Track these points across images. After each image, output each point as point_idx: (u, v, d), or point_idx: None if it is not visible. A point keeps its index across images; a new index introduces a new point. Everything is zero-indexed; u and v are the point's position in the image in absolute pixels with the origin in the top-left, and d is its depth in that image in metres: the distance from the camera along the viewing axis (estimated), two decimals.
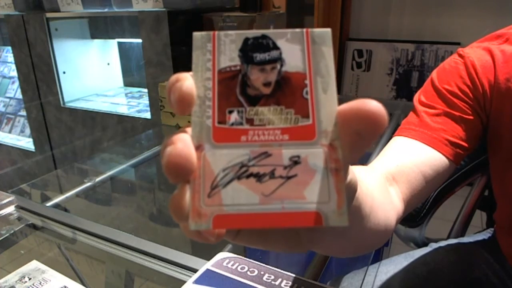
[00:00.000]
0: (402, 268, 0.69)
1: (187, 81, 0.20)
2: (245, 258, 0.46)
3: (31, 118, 1.77)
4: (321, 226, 0.20)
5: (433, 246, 0.74)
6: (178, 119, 1.17)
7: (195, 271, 0.46)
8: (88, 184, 0.83)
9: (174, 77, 0.20)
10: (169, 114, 1.18)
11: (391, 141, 0.52)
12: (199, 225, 0.19)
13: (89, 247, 0.61)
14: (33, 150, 1.84)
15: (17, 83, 2.05)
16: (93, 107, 1.60)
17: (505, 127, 0.51)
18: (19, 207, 0.71)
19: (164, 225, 0.84)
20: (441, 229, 0.86)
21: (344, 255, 0.38)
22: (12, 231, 0.66)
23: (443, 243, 0.74)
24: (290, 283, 0.42)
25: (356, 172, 0.25)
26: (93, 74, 1.78)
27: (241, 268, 0.44)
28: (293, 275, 0.43)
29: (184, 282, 0.43)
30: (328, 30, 0.21)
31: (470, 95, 0.51)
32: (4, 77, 2.20)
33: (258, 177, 0.20)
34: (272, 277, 0.43)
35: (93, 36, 1.71)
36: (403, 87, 1.85)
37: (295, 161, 0.20)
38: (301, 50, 0.21)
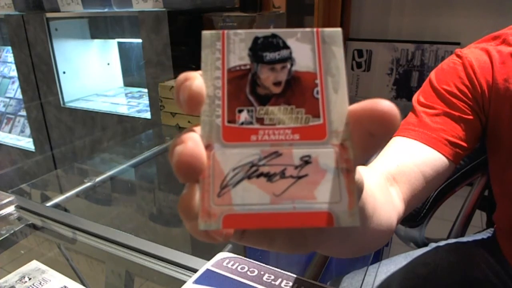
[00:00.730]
0: (401, 268, 0.69)
1: (196, 80, 0.20)
2: (245, 258, 0.46)
3: (31, 118, 1.77)
4: (332, 226, 0.20)
5: (433, 246, 0.74)
6: (178, 119, 1.17)
7: (195, 271, 0.46)
8: (88, 184, 0.83)
9: (183, 76, 0.20)
10: (169, 114, 1.18)
11: (391, 141, 0.52)
12: (208, 225, 0.19)
13: (89, 247, 0.61)
14: (33, 150, 1.84)
15: (17, 83, 2.05)
16: (93, 107, 1.60)
17: (504, 127, 0.51)
18: (19, 207, 0.71)
19: (164, 225, 0.84)
20: (441, 229, 0.86)
21: (346, 256, 0.38)
22: (12, 231, 0.66)
23: (442, 243, 0.74)
24: (290, 283, 0.42)
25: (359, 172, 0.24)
26: (93, 74, 1.77)
27: (241, 268, 0.44)
28: (293, 275, 0.43)
29: (184, 282, 0.43)
30: (339, 29, 0.21)
31: (469, 95, 0.51)
32: (4, 77, 2.20)
33: (269, 176, 0.20)
34: (272, 277, 0.43)
35: (93, 36, 1.71)
36: (403, 87, 1.85)
37: (306, 161, 0.20)
38: (312, 50, 0.20)
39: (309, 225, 0.20)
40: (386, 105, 0.19)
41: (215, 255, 0.47)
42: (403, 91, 1.85)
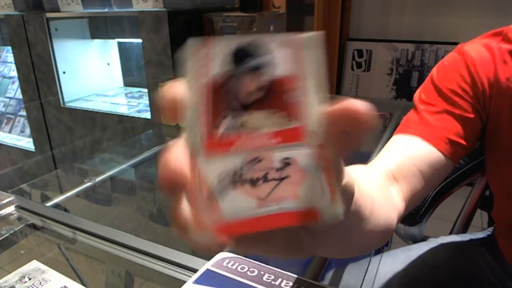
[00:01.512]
0: (401, 262, 0.69)
1: (178, 88, 0.20)
2: (245, 258, 0.46)
3: (31, 118, 1.77)
4: (317, 222, 0.20)
5: (432, 241, 0.74)
6: None
7: (195, 271, 0.46)
8: (88, 184, 0.83)
9: (168, 84, 0.20)
10: None
11: (391, 139, 0.52)
12: (200, 236, 0.20)
13: (89, 247, 0.61)
14: (33, 150, 1.84)
15: (17, 83, 2.05)
16: (93, 107, 1.60)
17: (503, 125, 0.51)
18: (19, 207, 0.71)
19: (164, 225, 0.84)
20: (441, 229, 0.86)
21: (346, 257, 0.38)
22: (12, 231, 0.66)
23: (442, 240, 0.74)
24: (290, 283, 0.42)
25: (354, 173, 0.25)
26: (93, 74, 1.78)
27: (241, 268, 0.44)
28: (293, 275, 0.43)
29: (184, 282, 0.43)
30: (319, 33, 0.21)
31: (470, 93, 0.51)
32: (4, 77, 2.20)
33: (252, 182, 0.20)
34: (272, 277, 0.43)
35: (93, 36, 1.71)
36: (403, 87, 1.85)
37: (286, 163, 0.20)
38: (292, 54, 0.21)
39: (295, 224, 0.20)
40: (360, 105, 0.19)
41: (215, 255, 0.47)
42: (403, 91, 1.85)
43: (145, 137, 1.36)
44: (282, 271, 0.44)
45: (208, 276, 0.43)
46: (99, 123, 1.56)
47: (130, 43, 1.77)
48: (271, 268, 0.44)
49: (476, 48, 0.53)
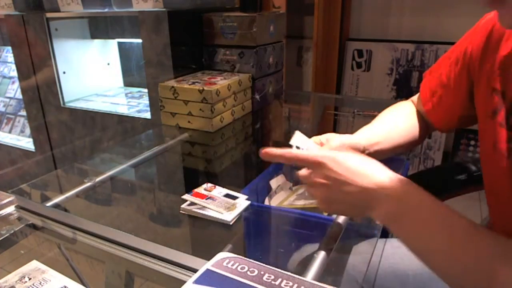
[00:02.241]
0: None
1: None
2: (245, 258, 0.46)
3: (31, 118, 1.77)
4: None
5: None
6: (178, 119, 1.17)
7: (195, 271, 0.46)
8: (88, 184, 0.83)
9: None
10: (169, 114, 1.18)
11: None
12: None
13: (89, 247, 0.61)
14: (33, 150, 1.84)
15: (17, 83, 2.05)
16: (93, 107, 1.60)
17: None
18: (19, 207, 0.71)
19: (164, 225, 0.84)
20: None
21: None
22: (12, 231, 0.66)
23: None
24: (290, 283, 0.42)
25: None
26: (93, 74, 1.77)
27: (241, 268, 0.44)
28: (293, 275, 0.43)
29: (184, 282, 0.43)
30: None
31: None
32: (4, 77, 2.20)
33: None
34: (272, 277, 0.43)
35: (93, 36, 1.71)
36: (403, 87, 1.85)
37: None
38: None
39: None
40: None
41: (215, 255, 0.47)
42: (403, 91, 1.85)
43: (145, 137, 1.36)
44: (282, 271, 0.44)
45: (208, 276, 0.43)
46: (99, 123, 1.56)
47: (130, 43, 1.77)
48: (271, 268, 0.44)
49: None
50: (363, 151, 0.65)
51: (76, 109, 1.61)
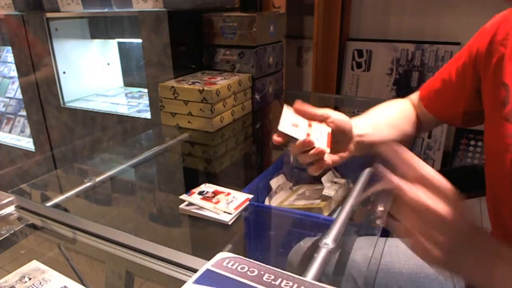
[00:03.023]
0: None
1: None
2: (245, 258, 0.46)
3: (31, 118, 1.77)
4: None
5: None
6: (178, 119, 1.17)
7: (195, 271, 0.46)
8: (88, 184, 0.83)
9: None
10: (169, 114, 1.18)
11: None
12: None
13: (89, 247, 0.61)
14: (33, 150, 1.84)
15: (17, 83, 2.05)
16: (93, 107, 1.60)
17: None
18: (19, 207, 0.71)
19: (164, 225, 0.84)
20: None
21: None
22: (12, 231, 0.66)
23: None
24: (290, 283, 0.42)
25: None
26: (93, 74, 1.77)
27: (241, 268, 0.44)
28: (293, 275, 0.43)
29: (184, 282, 0.43)
30: None
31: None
32: (4, 77, 2.20)
33: None
34: (272, 277, 0.43)
35: (93, 36, 1.71)
36: (403, 87, 1.85)
37: None
38: None
39: None
40: None
41: (215, 255, 0.47)
42: (403, 91, 1.85)
43: (145, 137, 1.36)
44: (282, 271, 0.44)
45: (208, 276, 0.43)
46: (99, 123, 1.56)
47: (130, 43, 1.77)
48: (271, 268, 0.44)
49: None
50: (350, 138, 0.65)
51: (76, 109, 1.61)
